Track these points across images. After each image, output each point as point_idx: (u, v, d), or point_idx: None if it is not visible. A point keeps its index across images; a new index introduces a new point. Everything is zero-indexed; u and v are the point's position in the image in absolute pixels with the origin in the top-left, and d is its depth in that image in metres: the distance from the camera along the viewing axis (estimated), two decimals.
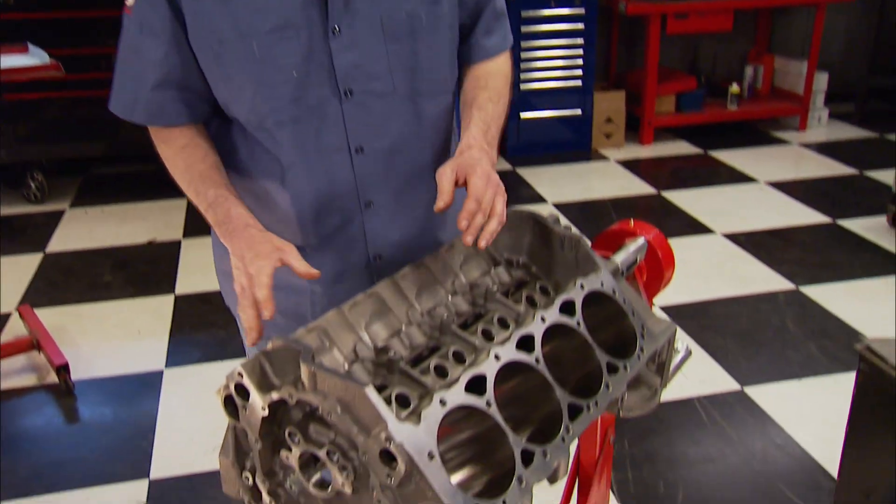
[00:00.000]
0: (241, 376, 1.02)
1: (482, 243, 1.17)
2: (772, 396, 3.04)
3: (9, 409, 3.11)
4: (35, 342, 3.32)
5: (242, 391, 1.03)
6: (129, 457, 2.81)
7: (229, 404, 1.06)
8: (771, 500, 2.50)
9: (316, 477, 1.04)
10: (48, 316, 3.77)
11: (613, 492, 2.54)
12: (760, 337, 3.48)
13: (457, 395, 0.99)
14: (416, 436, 0.91)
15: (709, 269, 4.10)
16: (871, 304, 3.69)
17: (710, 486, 2.58)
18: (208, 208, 1.28)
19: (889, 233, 4.41)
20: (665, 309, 3.67)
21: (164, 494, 2.61)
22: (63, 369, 3.16)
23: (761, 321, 3.61)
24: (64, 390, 3.18)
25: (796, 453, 2.72)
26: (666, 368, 1.35)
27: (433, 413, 0.95)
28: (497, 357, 1.06)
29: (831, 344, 3.38)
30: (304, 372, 0.96)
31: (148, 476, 2.70)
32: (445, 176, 1.20)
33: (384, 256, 1.47)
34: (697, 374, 3.17)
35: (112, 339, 3.66)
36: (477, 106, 1.38)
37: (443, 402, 0.97)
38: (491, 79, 1.46)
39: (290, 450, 1.02)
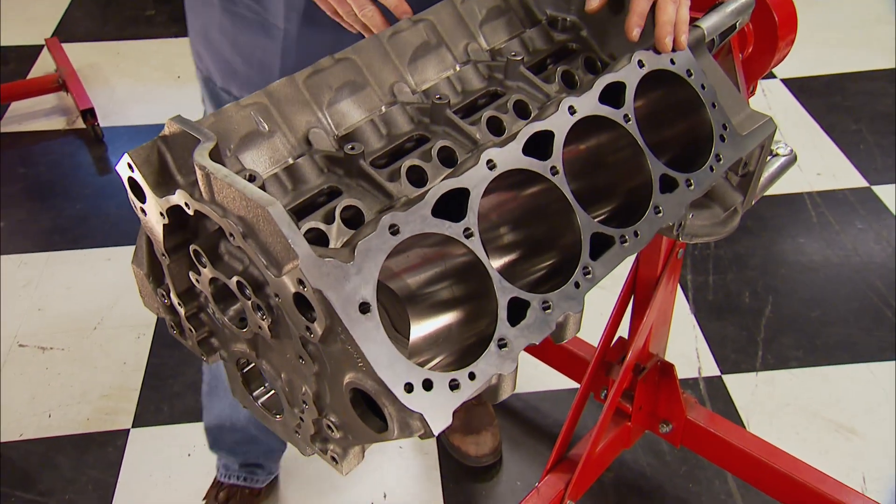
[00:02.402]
0: (132, 168, 0.78)
1: (682, 39, 0.96)
2: None
3: (36, 153, 3.05)
4: (61, 81, 3.18)
5: (137, 189, 0.79)
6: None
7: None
8: (880, 324, 2.23)
9: (235, 308, 0.83)
10: (83, 52, 3.61)
11: (688, 297, 2.32)
12: None
13: (417, 219, 0.73)
14: (343, 277, 0.67)
15: (851, 33, 3.52)
16: None
17: (806, 300, 2.32)
18: None
19: None
20: (785, 82, 3.20)
21: None
22: (89, 114, 3.03)
23: None
24: (92, 137, 3.08)
25: None
26: (753, 182, 1.04)
27: (376, 243, 0.70)
28: (491, 164, 0.78)
29: None
30: (198, 174, 0.71)
31: None
32: None
33: None
34: (814, 165, 2.79)
35: (149, 82, 3.49)
36: None
37: (394, 230, 0.71)
38: None
39: (199, 272, 0.80)
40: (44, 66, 3.54)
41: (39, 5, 4.06)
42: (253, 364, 0.91)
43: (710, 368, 2.12)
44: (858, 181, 2.74)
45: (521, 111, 0.92)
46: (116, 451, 1.97)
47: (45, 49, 3.58)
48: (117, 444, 1.99)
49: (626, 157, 0.91)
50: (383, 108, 0.93)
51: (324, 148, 0.87)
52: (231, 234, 0.70)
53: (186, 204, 0.74)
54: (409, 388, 0.68)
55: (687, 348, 2.16)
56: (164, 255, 0.83)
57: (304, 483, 1.87)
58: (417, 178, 0.83)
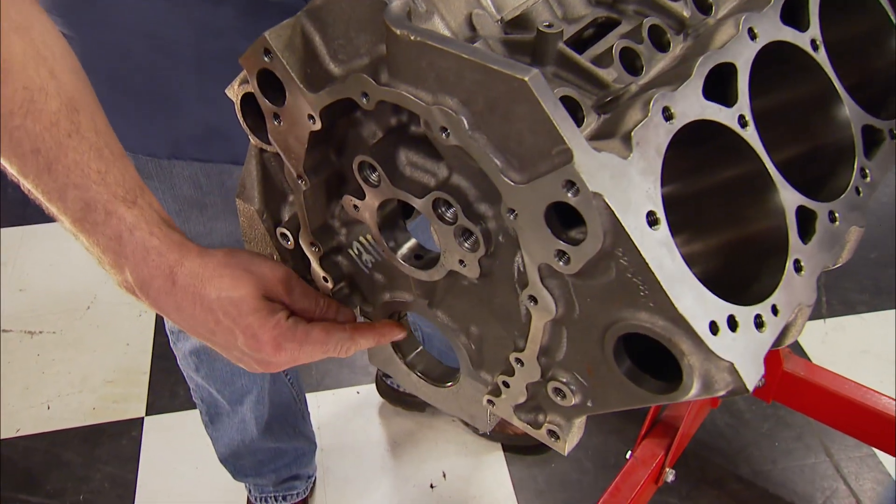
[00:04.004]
0: (269, 55, 0.57)
1: None
2: None
3: None
4: None
5: (271, 84, 0.59)
6: None
7: (250, 111, 0.64)
8: None
9: (409, 244, 0.63)
10: None
11: None
12: None
13: (690, 101, 0.54)
14: (624, 178, 0.48)
15: None
16: None
17: (860, 242, 2.18)
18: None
19: None
20: None
21: None
22: None
23: None
24: None
25: None
26: None
27: (653, 134, 0.51)
28: (753, 33, 0.60)
29: None
30: (395, 40, 0.51)
31: None
32: None
33: None
34: None
35: None
36: None
37: (668, 114, 0.52)
38: None
39: (360, 195, 0.60)
40: None
41: None
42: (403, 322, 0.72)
43: None
44: None
45: None
46: (132, 442, 1.75)
47: None
48: (132, 435, 1.77)
49: (871, 35, 0.73)
50: None
51: (495, 35, 0.67)
52: (443, 129, 0.50)
53: (364, 94, 0.54)
54: (713, 328, 0.49)
55: None
56: (301, 177, 0.62)
57: (348, 477, 1.68)
58: (629, 63, 0.64)
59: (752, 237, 0.59)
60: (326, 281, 0.69)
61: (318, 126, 0.58)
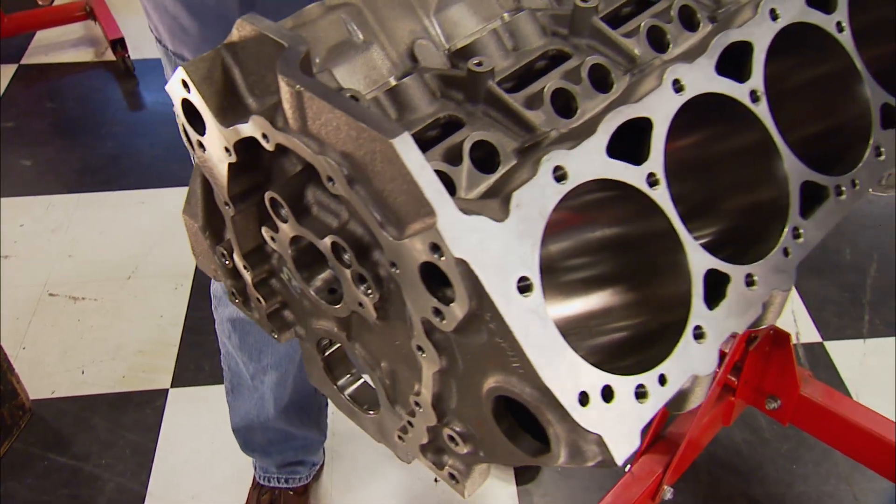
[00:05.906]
0: (187, 87, 0.58)
1: None
2: None
3: (64, 87, 2.87)
4: (88, 9, 2.98)
5: (194, 115, 0.60)
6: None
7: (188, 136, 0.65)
8: None
9: (323, 277, 0.64)
10: None
11: None
12: None
13: (589, 160, 0.53)
14: (497, 242, 0.47)
15: None
16: None
17: None
18: None
19: None
20: None
21: None
22: (119, 45, 2.83)
23: None
24: (122, 70, 2.88)
25: None
26: None
27: (538, 195, 0.50)
28: (678, 85, 0.57)
29: None
30: (285, 93, 0.51)
31: None
32: None
33: None
34: None
35: None
36: None
37: (560, 174, 0.51)
38: None
39: (274, 228, 0.61)
40: None
41: None
42: (338, 345, 0.73)
43: (810, 334, 1.91)
44: None
45: (687, 21, 0.70)
46: (155, 412, 1.82)
47: None
48: (155, 406, 1.84)
49: (827, 84, 0.69)
50: (505, 16, 0.72)
51: (436, 65, 0.67)
52: (329, 179, 0.51)
53: (265, 136, 0.54)
54: (583, 399, 0.48)
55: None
56: (227, 204, 0.64)
57: (356, 465, 1.71)
58: (563, 105, 0.63)
59: (661, 299, 0.57)
60: (260, 302, 0.71)
61: (233, 158, 0.59)
